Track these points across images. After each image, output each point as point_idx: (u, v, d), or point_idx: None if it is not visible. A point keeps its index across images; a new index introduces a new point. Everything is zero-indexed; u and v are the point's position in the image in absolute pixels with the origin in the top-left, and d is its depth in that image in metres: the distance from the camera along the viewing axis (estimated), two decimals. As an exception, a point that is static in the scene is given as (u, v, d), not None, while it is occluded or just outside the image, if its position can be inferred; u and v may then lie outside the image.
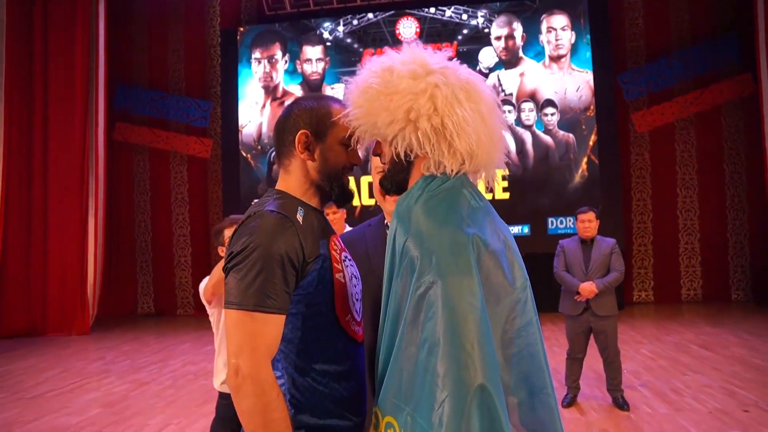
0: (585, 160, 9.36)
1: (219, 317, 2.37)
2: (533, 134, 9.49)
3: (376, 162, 1.65)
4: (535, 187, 9.40)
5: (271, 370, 1.14)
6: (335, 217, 3.76)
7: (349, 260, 1.41)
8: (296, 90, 10.07)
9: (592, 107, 9.33)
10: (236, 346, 1.12)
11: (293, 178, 1.34)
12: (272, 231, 1.17)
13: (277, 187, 1.36)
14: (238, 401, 1.11)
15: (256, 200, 1.37)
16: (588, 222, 4.37)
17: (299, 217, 1.24)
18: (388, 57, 1.28)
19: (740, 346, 5.97)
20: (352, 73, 1.36)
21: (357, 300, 1.37)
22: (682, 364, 5.35)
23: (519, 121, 9.51)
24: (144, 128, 10.44)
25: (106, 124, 9.23)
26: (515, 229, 9.44)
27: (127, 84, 10.50)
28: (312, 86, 10.02)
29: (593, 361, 4.74)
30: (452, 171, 1.21)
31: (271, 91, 10.16)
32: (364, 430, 1.33)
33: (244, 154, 10.11)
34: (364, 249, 1.71)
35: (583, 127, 9.36)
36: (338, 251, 1.35)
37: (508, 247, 1.21)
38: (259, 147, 10.09)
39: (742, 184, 9.42)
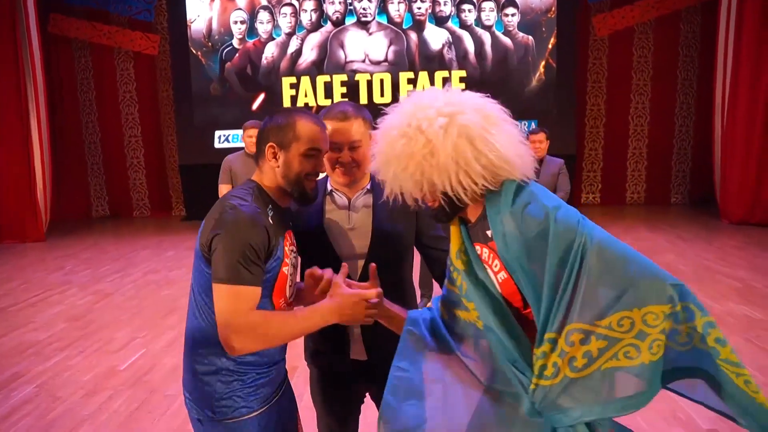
0: (543, 63, 9.33)
1: None
2: (492, 35, 9.31)
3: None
4: (492, 89, 9.23)
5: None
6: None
7: (294, 252, 1.65)
8: (247, -18, 9.44)
9: (553, 9, 9.16)
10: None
11: (266, 177, 1.59)
12: (247, 226, 1.42)
13: (253, 178, 1.61)
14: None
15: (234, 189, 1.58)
16: (538, 143, 4.49)
17: (271, 216, 1.52)
18: (408, 112, 1.31)
19: (670, 251, 6.47)
20: None
21: (293, 284, 1.63)
22: (617, 270, 5.79)
23: (479, 22, 9.28)
24: (83, 21, 9.71)
25: (37, 14, 8.49)
26: (472, 132, 9.55)
27: (59, -30, 9.59)
28: (264, -23, 9.40)
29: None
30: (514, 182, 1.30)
31: (219, -18, 9.48)
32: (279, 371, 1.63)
33: (194, 52, 9.62)
34: (305, 225, 1.77)
35: (543, 29, 9.23)
36: (289, 245, 1.59)
37: None
38: (210, 44, 9.59)
39: (692, 91, 9.66)
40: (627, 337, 1.13)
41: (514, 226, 1.24)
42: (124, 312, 4.98)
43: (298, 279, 1.72)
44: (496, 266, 1.32)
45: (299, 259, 1.70)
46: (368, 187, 1.78)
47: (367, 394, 1.92)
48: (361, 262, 1.74)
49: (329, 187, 1.80)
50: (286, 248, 1.56)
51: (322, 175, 1.76)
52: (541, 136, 4.53)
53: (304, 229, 1.76)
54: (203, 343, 1.49)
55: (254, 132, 4.64)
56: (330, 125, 1.68)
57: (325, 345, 1.79)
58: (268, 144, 1.55)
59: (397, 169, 1.30)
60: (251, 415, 1.50)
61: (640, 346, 1.13)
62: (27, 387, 3.52)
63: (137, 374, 3.68)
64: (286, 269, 1.55)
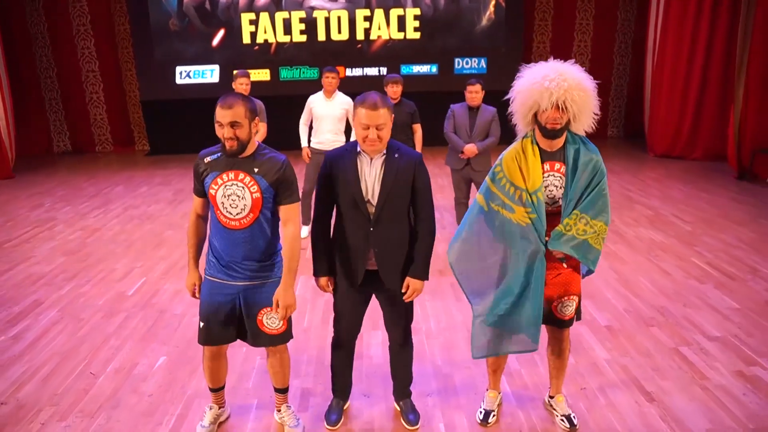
0: (493, 3, 9.78)
1: None
2: (447, -26, 9.63)
3: (360, 119, 2.38)
4: (445, 27, 9.84)
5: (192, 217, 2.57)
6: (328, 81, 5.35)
7: (239, 185, 2.36)
8: None
9: (505, -51, 9.50)
10: None
11: None
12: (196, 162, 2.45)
13: None
14: None
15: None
16: (475, 93, 5.12)
17: (208, 159, 2.41)
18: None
19: (600, 183, 7.35)
20: None
21: (234, 208, 2.37)
22: (552, 200, 6.64)
23: (434, -40, 9.55)
24: (29, -50, 9.41)
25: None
26: (424, 68, 10.06)
27: None
28: None
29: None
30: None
31: None
32: (235, 266, 2.46)
33: (150, -15, 9.55)
34: (343, 175, 2.48)
35: (495, -31, 9.60)
36: (226, 180, 2.36)
37: None
38: (166, -23, 9.53)
39: (630, 31, 10.36)
40: (601, 233, 2.41)
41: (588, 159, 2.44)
42: (117, 245, 5.50)
43: (245, 208, 2.37)
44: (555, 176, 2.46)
45: (248, 192, 2.35)
46: (384, 152, 2.49)
47: (373, 295, 2.70)
48: (373, 208, 2.49)
49: (358, 149, 2.49)
50: (219, 179, 2.35)
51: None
52: (478, 87, 5.12)
53: (345, 177, 2.47)
54: None
55: (244, 80, 5.21)
56: (363, 111, 2.35)
57: (353, 257, 2.55)
58: None
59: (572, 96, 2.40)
60: (205, 277, 2.55)
61: (599, 240, 2.42)
62: (50, 311, 4.09)
63: (144, 298, 4.29)
64: (212, 191, 2.37)
